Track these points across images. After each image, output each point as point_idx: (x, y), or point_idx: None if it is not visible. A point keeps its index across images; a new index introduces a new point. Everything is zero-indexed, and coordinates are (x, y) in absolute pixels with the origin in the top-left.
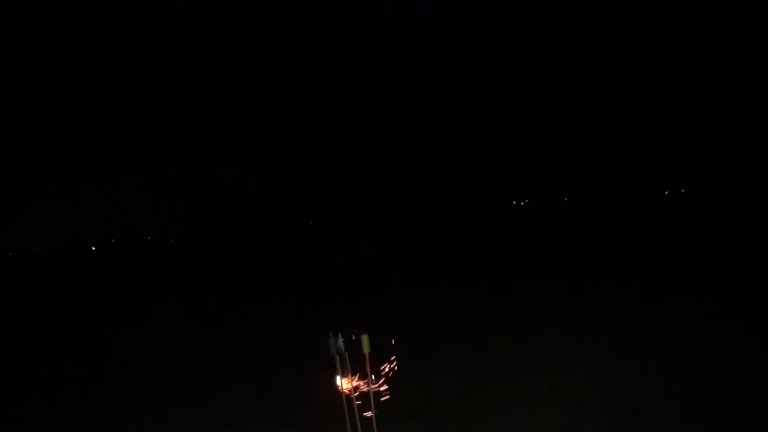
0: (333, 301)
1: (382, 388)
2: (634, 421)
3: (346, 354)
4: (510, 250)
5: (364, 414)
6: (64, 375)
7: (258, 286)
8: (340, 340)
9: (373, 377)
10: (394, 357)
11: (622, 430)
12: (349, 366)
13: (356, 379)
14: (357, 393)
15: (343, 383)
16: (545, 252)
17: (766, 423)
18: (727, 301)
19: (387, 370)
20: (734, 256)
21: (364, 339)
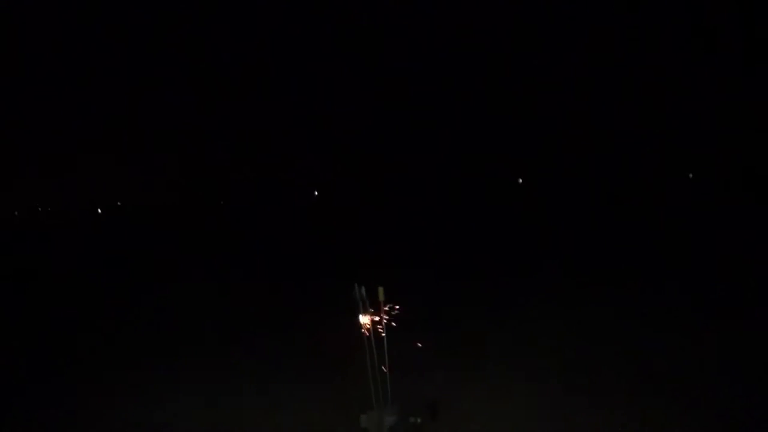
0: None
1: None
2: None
3: (366, 298)
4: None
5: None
6: (92, 330)
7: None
8: (363, 289)
9: (385, 318)
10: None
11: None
12: (368, 308)
13: (372, 317)
14: (372, 328)
15: (363, 320)
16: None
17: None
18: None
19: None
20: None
21: (380, 290)
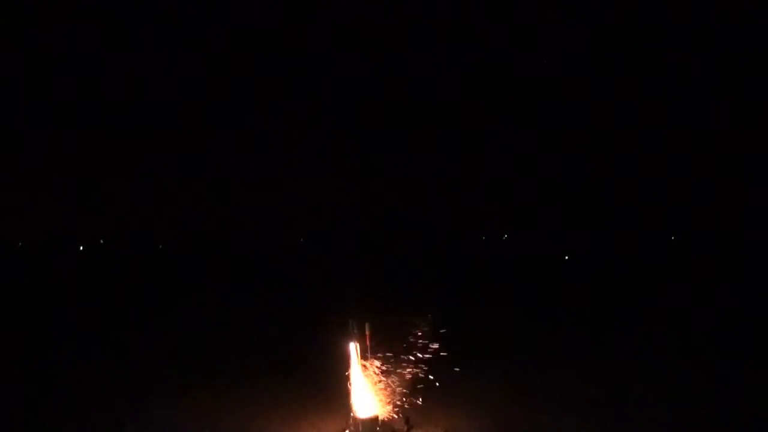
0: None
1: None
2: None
3: (357, 331)
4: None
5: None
6: (113, 332)
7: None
8: (354, 324)
9: (370, 345)
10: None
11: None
12: (358, 337)
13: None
14: (364, 354)
15: (353, 346)
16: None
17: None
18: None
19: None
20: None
21: (366, 325)
